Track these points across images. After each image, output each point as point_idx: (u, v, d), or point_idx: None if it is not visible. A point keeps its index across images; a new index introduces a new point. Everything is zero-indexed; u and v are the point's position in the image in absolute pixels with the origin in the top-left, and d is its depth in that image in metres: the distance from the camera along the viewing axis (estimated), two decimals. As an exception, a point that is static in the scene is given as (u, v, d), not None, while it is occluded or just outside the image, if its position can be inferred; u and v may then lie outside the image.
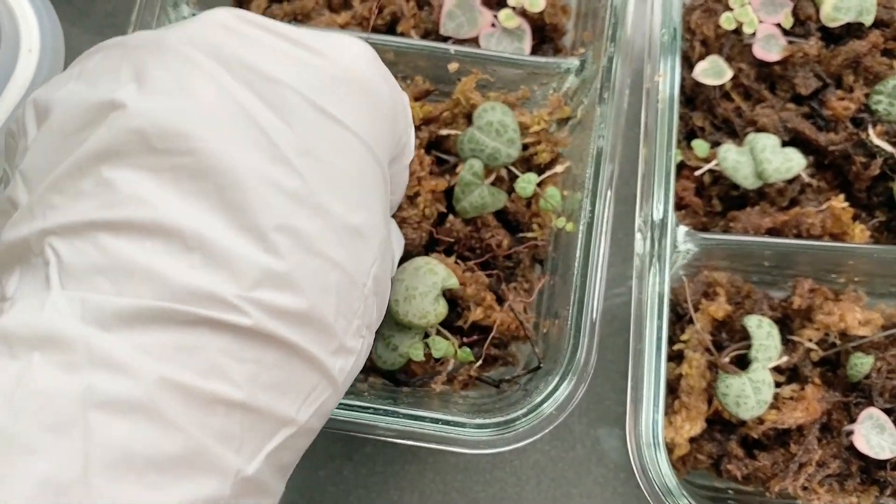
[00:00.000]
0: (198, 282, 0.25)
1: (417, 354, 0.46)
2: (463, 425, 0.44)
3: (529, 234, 0.52)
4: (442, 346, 0.46)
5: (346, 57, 0.31)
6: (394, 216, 0.48)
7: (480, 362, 0.49)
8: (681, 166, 0.54)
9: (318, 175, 0.28)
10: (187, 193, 0.26)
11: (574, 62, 0.50)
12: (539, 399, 0.46)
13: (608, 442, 0.57)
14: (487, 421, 0.45)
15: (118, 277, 0.24)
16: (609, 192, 0.46)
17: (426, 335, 0.47)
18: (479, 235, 0.51)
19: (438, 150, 0.53)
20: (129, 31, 0.49)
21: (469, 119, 0.52)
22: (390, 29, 0.56)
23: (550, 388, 0.46)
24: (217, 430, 0.25)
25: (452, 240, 0.50)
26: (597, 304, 0.45)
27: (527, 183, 0.50)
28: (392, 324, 0.46)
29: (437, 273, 0.47)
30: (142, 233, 0.25)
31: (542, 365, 0.48)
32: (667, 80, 0.48)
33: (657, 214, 0.47)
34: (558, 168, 0.51)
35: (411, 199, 0.49)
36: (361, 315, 0.31)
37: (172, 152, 0.26)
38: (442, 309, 0.45)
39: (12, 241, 0.26)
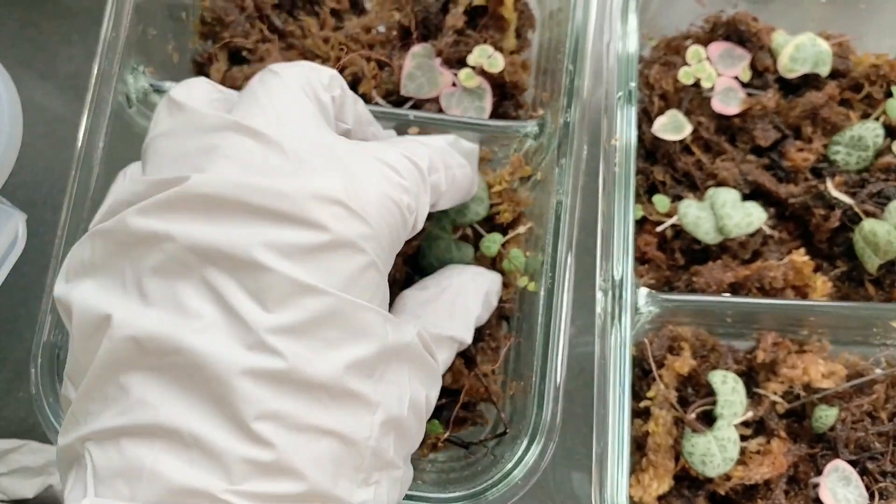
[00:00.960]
0: (192, 480, 0.28)
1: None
2: (431, 500, 0.44)
3: (494, 294, 0.52)
4: None
5: (321, 212, 0.31)
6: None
7: (449, 429, 0.48)
8: (643, 221, 0.54)
9: (300, 348, 0.30)
10: (183, 390, 0.29)
11: (533, 126, 0.50)
12: (508, 466, 0.46)
13: (581, 490, 0.57)
14: (457, 494, 0.45)
15: (132, 480, 0.28)
16: (569, 256, 0.46)
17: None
18: (443, 296, 0.51)
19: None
20: (88, 97, 0.49)
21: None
22: (352, 89, 0.56)
23: (518, 454, 0.46)
24: None
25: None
26: (560, 367, 0.45)
27: (491, 242, 0.50)
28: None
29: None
30: (150, 434, 0.28)
31: (507, 430, 0.48)
32: (623, 141, 0.49)
33: (617, 274, 0.47)
34: (521, 228, 0.52)
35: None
36: (368, 468, 0.32)
37: (165, 353, 0.29)
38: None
39: (65, 445, 0.31)
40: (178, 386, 0.29)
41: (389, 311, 0.40)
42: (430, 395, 0.37)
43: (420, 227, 0.37)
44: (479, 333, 0.52)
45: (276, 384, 0.29)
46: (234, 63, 0.57)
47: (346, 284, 0.31)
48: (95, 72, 0.49)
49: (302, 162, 0.32)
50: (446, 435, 0.48)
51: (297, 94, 0.36)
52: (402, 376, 0.35)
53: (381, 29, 0.59)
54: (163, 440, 0.28)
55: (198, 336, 0.29)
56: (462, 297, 0.44)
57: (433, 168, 0.38)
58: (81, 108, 0.60)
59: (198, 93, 0.36)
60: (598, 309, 0.47)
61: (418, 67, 0.55)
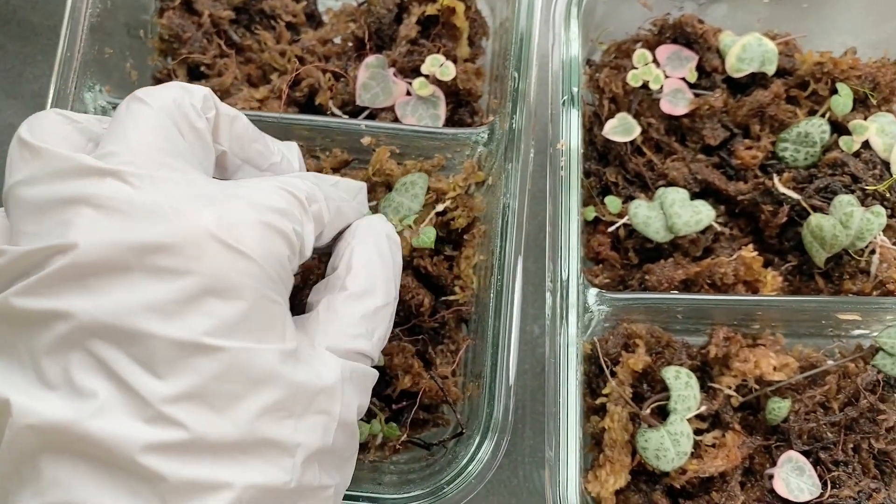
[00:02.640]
0: None
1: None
2: (388, 501, 0.45)
3: (452, 297, 0.53)
4: (377, 427, 0.47)
5: (197, 254, 0.30)
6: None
7: (406, 434, 0.49)
8: (596, 222, 0.56)
9: (201, 412, 0.29)
10: (93, 470, 0.29)
11: (483, 132, 0.51)
12: (463, 463, 0.47)
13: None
14: (414, 493, 0.46)
15: None
16: (518, 258, 0.47)
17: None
18: (401, 299, 0.52)
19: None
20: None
21: (389, 188, 0.53)
22: (309, 100, 0.57)
23: (472, 451, 0.47)
24: None
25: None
26: (511, 366, 0.46)
27: (426, 237, 0.51)
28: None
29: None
30: None
31: (464, 430, 0.49)
32: (567, 144, 0.50)
33: (564, 275, 0.48)
34: (475, 232, 0.53)
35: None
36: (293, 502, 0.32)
37: (67, 441, 0.28)
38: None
39: None
40: (87, 466, 0.29)
41: (307, 308, 0.39)
42: (363, 402, 0.37)
43: (308, 254, 0.36)
44: (439, 336, 0.54)
45: (183, 453, 0.29)
46: (194, 78, 0.58)
47: (237, 326, 0.30)
48: (52, 91, 0.50)
49: (171, 201, 0.30)
50: (403, 437, 0.49)
51: (165, 125, 0.34)
52: (331, 403, 0.34)
53: (337, 41, 0.60)
54: None
55: (94, 420, 0.28)
56: (369, 261, 0.40)
57: (312, 198, 0.36)
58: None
59: (50, 129, 0.33)
60: (547, 309, 0.48)
61: (372, 78, 0.56)
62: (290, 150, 0.43)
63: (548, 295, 0.49)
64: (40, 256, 0.29)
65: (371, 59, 0.56)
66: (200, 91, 0.36)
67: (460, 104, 0.58)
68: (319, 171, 0.54)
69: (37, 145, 0.31)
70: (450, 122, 0.57)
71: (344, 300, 0.38)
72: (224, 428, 0.30)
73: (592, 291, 0.49)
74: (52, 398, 0.29)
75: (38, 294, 0.29)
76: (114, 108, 0.52)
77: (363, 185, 0.45)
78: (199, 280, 0.30)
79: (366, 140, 0.52)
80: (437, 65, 0.55)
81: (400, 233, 0.49)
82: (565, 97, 0.50)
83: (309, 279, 0.49)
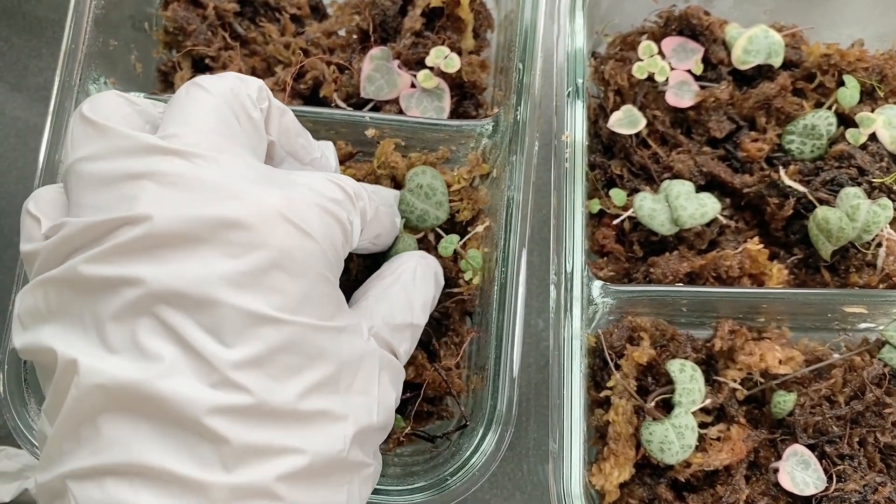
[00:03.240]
0: None
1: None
2: (392, 493, 0.45)
3: (456, 290, 0.53)
4: None
5: (267, 231, 0.31)
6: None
7: (411, 424, 0.49)
8: (601, 214, 0.55)
9: (263, 379, 0.30)
10: (155, 430, 0.29)
11: (488, 124, 0.51)
12: (466, 455, 0.47)
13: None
14: (418, 485, 0.46)
15: None
16: (523, 251, 0.47)
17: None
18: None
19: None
20: (51, 108, 0.50)
21: (394, 180, 0.53)
22: (313, 92, 0.57)
23: (475, 443, 0.47)
24: None
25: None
26: (515, 359, 0.46)
27: (448, 244, 0.51)
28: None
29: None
30: (128, 473, 0.29)
31: (468, 422, 0.49)
32: (572, 136, 0.50)
33: (568, 267, 0.48)
34: (479, 227, 0.53)
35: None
36: (341, 473, 0.33)
37: (133, 400, 0.29)
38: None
39: (45, 482, 0.31)
40: (149, 426, 0.29)
41: (350, 304, 0.41)
42: (397, 393, 0.39)
43: (355, 244, 0.38)
44: (443, 328, 0.54)
45: (246, 417, 0.30)
46: (198, 70, 0.58)
47: (300, 302, 0.32)
48: (57, 83, 0.50)
49: (237, 182, 0.32)
50: (407, 429, 0.49)
51: (224, 112, 0.35)
52: (370, 385, 0.36)
53: (342, 33, 0.60)
54: (141, 478, 0.29)
55: (163, 381, 0.29)
56: (413, 281, 0.44)
57: (358, 195, 0.38)
58: (50, 119, 0.61)
59: (111, 108, 0.34)
60: (551, 302, 0.48)
61: (377, 70, 0.56)
62: (328, 149, 0.45)
63: (552, 288, 0.48)
64: (107, 228, 0.30)
65: (375, 51, 0.56)
66: (256, 82, 0.37)
67: (465, 96, 0.58)
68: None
69: (101, 123, 0.32)
70: (454, 114, 0.57)
71: (395, 294, 0.42)
72: (283, 396, 0.31)
73: (597, 284, 0.49)
74: (119, 360, 0.30)
75: (109, 262, 0.30)
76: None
77: (397, 194, 0.48)
78: (269, 255, 0.31)
79: (370, 132, 0.52)
80: (442, 57, 0.55)
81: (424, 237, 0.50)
82: (570, 89, 0.50)
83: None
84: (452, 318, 0.54)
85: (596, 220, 0.56)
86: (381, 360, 0.37)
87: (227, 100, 0.35)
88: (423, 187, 0.50)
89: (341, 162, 0.55)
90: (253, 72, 0.58)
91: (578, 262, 0.47)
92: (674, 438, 0.49)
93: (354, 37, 0.59)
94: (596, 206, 0.55)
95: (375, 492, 0.46)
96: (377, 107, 0.56)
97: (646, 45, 0.55)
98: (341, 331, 0.34)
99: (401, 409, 0.51)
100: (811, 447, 0.51)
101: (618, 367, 0.51)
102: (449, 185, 0.53)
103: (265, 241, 0.31)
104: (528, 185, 0.47)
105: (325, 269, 0.34)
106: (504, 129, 0.51)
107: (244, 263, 0.31)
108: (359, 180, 0.53)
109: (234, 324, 0.30)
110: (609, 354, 0.51)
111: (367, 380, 0.36)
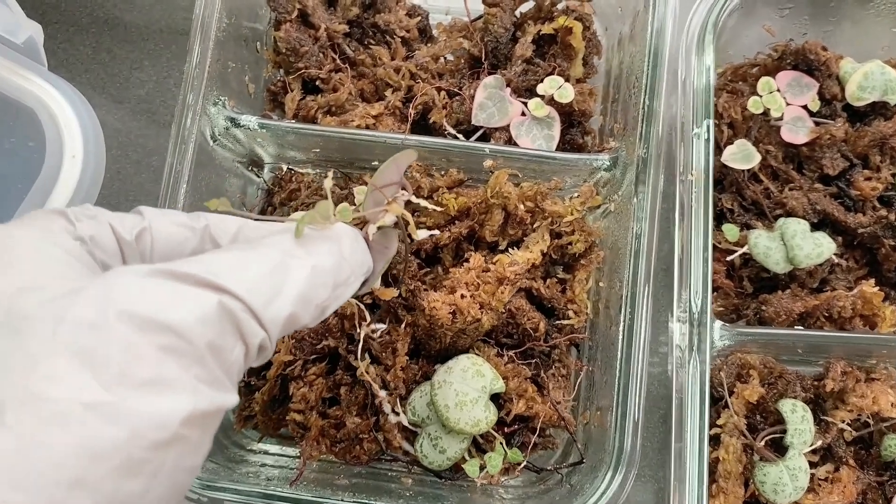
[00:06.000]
0: None
1: (474, 472, 0.47)
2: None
3: (566, 322, 0.53)
4: (497, 461, 0.47)
5: None
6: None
7: (525, 455, 0.50)
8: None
9: None
10: None
11: (605, 159, 0.51)
12: (593, 500, 0.46)
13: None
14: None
15: None
16: (647, 288, 0.47)
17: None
18: (514, 321, 0.52)
19: (471, 243, 0.54)
20: (174, 130, 0.50)
21: (505, 210, 0.53)
22: (422, 117, 0.57)
23: (602, 486, 0.46)
24: None
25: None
26: (640, 401, 0.46)
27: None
28: (439, 425, 0.47)
29: (484, 375, 0.48)
30: None
31: (584, 460, 0.49)
32: (699, 175, 0.49)
33: (696, 306, 0.48)
34: (592, 258, 0.53)
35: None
36: None
37: None
38: (493, 416, 0.47)
39: None
40: None
41: None
42: None
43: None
44: (550, 360, 0.54)
45: None
46: (309, 92, 0.58)
47: None
48: (180, 105, 0.50)
49: None
50: (523, 463, 0.49)
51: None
52: None
53: (450, 57, 0.60)
54: None
55: None
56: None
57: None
58: (155, 132, 0.61)
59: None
60: (676, 340, 0.47)
61: (489, 98, 0.56)
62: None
63: (675, 325, 0.48)
64: None
65: (489, 79, 0.56)
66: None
67: (572, 124, 0.58)
68: (435, 190, 0.54)
69: None
70: (561, 142, 0.57)
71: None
72: None
73: (717, 325, 0.49)
74: None
75: None
76: (235, 124, 0.52)
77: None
78: None
79: (488, 163, 0.52)
80: (556, 87, 0.55)
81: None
82: (698, 130, 0.50)
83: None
84: (559, 350, 0.54)
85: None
86: None
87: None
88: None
89: (449, 189, 0.55)
90: (361, 94, 0.58)
91: (708, 302, 0.47)
92: (787, 480, 0.49)
93: (463, 61, 0.58)
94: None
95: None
96: (486, 134, 0.56)
97: (765, 81, 0.54)
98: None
99: (510, 440, 0.51)
100: (922, 492, 0.51)
101: (726, 405, 0.51)
102: (561, 216, 0.53)
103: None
104: (654, 221, 0.47)
105: None
106: (626, 162, 0.51)
107: None
108: (468, 209, 0.54)
109: None
110: (720, 391, 0.51)
111: None
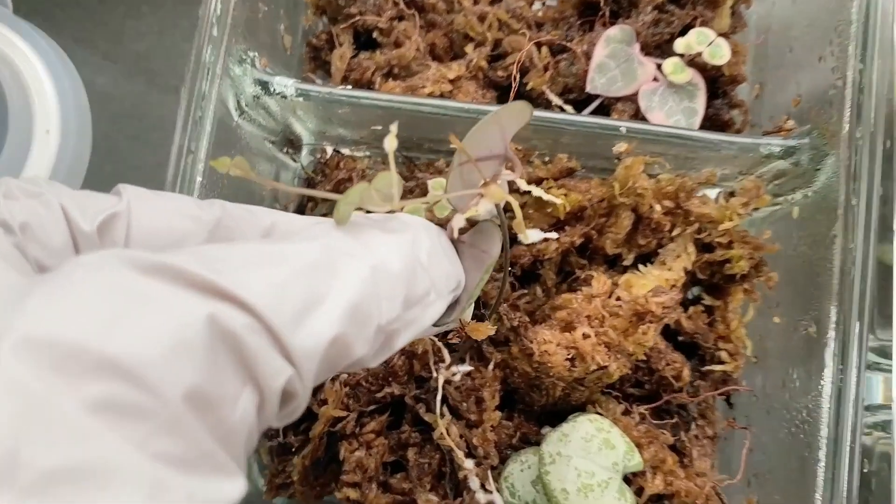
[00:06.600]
0: None
1: None
2: None
3: (717, 367, 0.39)
4: None
5: None
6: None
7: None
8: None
9: None
10: None
11: (787, 144, 0.36)
12: None
13: None
14: None
15: None
16: (864, 331, 0.33)
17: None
18: (647, 365, 0.38)
19: (582, 255, 0.40)
20: (183, 100, 0.35)
21: (635, 211, 0.38)
22: (512, 82, 0.42)
23: None
24: None
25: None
26: (854, 488, 0.32)
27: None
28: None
29: (615, 447, 0.34)
30: None
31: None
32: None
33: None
34: (758, 281, 0.38)
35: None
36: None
37: None
38: (631, 504, 0.33)
39: None
40: None
41: None
42: None
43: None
44: (690, 417, 0.40)
45: None
46: (362, 48, 0.43)
47: None
48: (192, 61, 0.35)
49: None
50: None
51: None
52: None
53: (552, 2, 0.45)
54: None
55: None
56: None
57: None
58: (157, 99, 0.47)
59: None
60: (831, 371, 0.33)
61: (612, 56, 0.41)
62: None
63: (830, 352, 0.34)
64: None
65: (614, 30, 0.41)
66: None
67: (715, 94, 0.43)
68: (537, 182, 0.39)
69: None
70: (703, 118, 0.42)
71: None
72: None
73: None
74: None
75: None
76: (266, 90, 0.37)
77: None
78: None
79: (620, 147, 0.38)
80: (705, 42, 0.40)
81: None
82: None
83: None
84: (705, 402, 0.40)
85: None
86: None
87: None
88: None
89: (555, 178, 0.40)
90: (432, 51, 0.43)
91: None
92: None
93: (571, 7, 0.44)
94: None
95: None
96: (605, 105, 0.42)
97: None
98: None
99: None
100: None
101: None
102: (714, 222, 0.38)
103: None
104: (870, 242, 0.33)
105: None
106: (818, 149, 0.36)
107: None
108: (583, 209, 0.39)
109: None
110: None
111: None
